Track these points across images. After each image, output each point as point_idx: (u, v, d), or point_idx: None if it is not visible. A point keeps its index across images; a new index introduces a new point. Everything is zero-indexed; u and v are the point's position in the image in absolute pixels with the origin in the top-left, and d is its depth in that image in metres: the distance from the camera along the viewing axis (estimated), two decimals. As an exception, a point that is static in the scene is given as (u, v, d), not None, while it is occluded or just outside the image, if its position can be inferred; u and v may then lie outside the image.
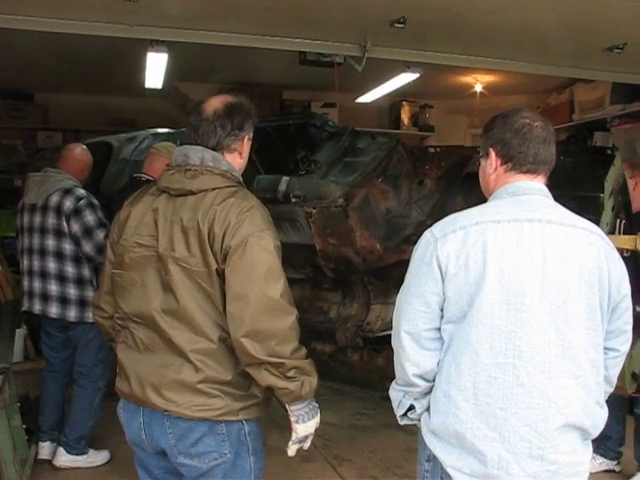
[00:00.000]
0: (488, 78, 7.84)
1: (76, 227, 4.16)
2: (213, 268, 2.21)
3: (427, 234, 2.14)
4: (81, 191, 4.26)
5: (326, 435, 4.88)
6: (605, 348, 2.12)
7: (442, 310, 2.07)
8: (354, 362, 5.12)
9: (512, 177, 2.16)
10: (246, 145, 2.45)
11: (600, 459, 4.48)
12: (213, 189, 2.28)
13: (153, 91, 7.06)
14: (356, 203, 4.40)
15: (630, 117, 7.15)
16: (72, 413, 4.35)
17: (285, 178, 4.55)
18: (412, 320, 2.08)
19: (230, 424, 2.30)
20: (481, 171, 2.29)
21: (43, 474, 4.25)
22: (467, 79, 7.95)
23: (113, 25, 4.46)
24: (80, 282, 4.24)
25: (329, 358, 5.18)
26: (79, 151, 4.52)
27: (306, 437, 2.40)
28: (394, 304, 5.42)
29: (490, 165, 2.21)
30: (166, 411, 2.26)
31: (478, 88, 8.11)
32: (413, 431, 5.30)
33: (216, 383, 2.25)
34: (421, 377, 2.10)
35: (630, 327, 2.22)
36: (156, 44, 4.92)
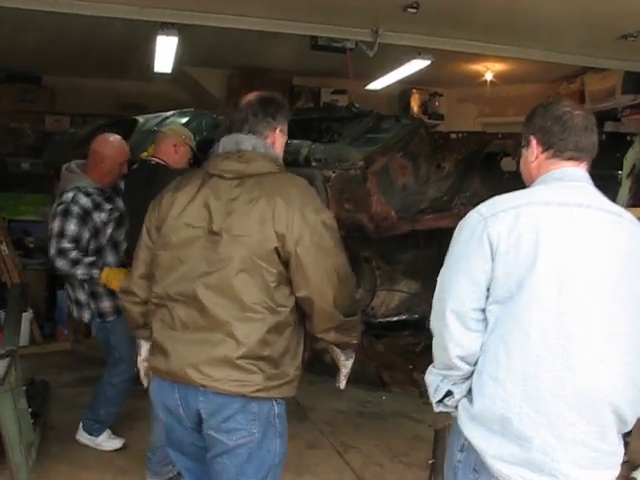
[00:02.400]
0: (499, 66, 7.81)
1: (49, 230, 4.19)
2: (272, 246, 2.31)
3: (473, 214, 2.11)
4: (68, 195, 4.15)
5: (333, 422, 4.87)
6: None
7: (488, 290, 2.04)
8: None
9: (554, 164, 2.16)
10: (278, 136, 2.56)
11: (608, 449, 4.48)
12: (269, 173, 2.42)
13: (163, 76, 7.03)
14: (375, 168, 4.44)
15: (641, 107, 7.12)
16: (92, 397, 4.47)
17: (308, 142, 4.60)
18: (459, 298, 2.04)
19: (262, 403, 2.37)
20: (522, 161, 2.28)
21: (48, 457, 4.28)
22: (477, 67, 7.91)
23: (123, 6, 4.45)
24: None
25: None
26: (99, 146, 4.33)
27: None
28: (400, 291, 5.43)
29: (531, 153, 2.20)
30: (203, 386, 2.32)
31: (488, 76, 8.08)
32: (420, 419, 5.32)
33: (254, 359, 2.32)
34: (464, 359, 2.06)
35: None
36: (166, 27, 4.91)
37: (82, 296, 4.28)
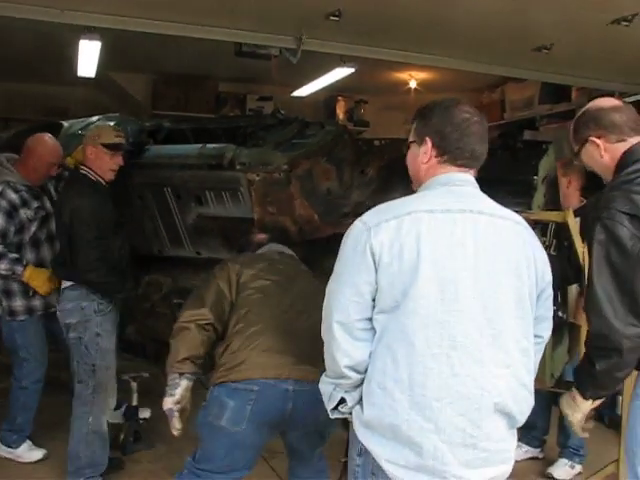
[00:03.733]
0: (422, 75, 7.95)
1: None
2: None
3: (358, 224, 2.11)
4: None
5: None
6: None
7: (374, 300, 2.05)
8: None
9: (444, 169, 2.16)
10: None
11: (525, 447, 4.61)
12: None
13: (86, 80, 6.90)
14: (299, 172, 4.46)
15: (557, 117, 7.36)
16: (8, 407, 4.38)
17: (232, 146, 4.59)
18: (344, 310, 2.04)
19: None
20: (411, 157, 2.27)
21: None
22: (402, 75, 8.04)
23: (43, 9, 4.35)
24: None
25: None
26: (32, 143, 4.29)
27: None
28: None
29: (425, 154, 2.19)
30: None
31: (412, 85, 8.22)
32: (343, 421, 5.33)
33: None
34: (353, 368, 2.07)
35: (551, 314, 2.27)
36: (89, 31, 4.83)
37: None
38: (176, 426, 2.96)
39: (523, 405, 2.11)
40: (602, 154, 2.50)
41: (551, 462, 4.56)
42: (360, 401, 2.11)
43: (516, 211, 2.23)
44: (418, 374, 1.98)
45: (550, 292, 2.22)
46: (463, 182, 2.16)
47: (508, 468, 2.15)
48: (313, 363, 2.62)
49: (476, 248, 2.03)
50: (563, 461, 4.50)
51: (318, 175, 4.58)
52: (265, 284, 3.12)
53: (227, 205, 4.59)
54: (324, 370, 2.19)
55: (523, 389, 2.10)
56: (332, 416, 2.20)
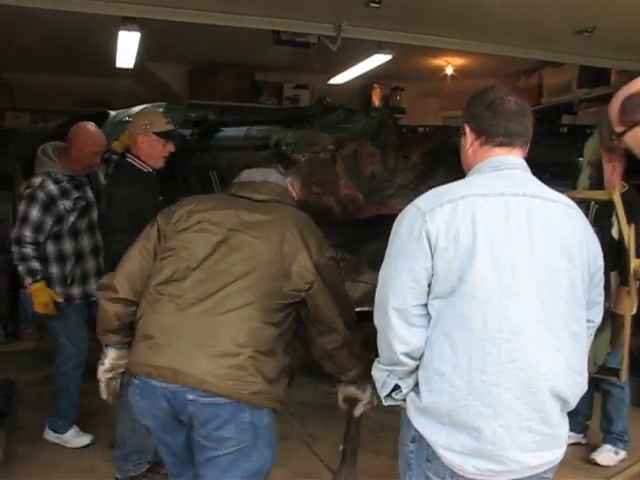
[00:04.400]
0: (459, 61, 7.89)
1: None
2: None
3: (411, 208, 2.11)
4: (36, 180, 4.20)
5: (300, 414, 4.89)
6: None
7: (429, 286, 2.05)
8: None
9: (488, 151, 2.18)
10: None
11: (569, 433, 4.59)
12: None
13: (124, 71, 6.97)
14: (345, 152, 4.50)
15: (596, 100, 7.25)
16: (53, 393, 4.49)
17: (278, 128, 4.65)
18: (401, 296, 2.05)
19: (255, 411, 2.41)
20: (461, 149, 2.31)
21: (16, 458, 4.26)
22: (438, 61, 7.98)
23: (87, 1, 4.40)
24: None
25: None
26: (75, 133, 4.33)
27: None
28: (364, 282, 5.49)
29: (467, 141, 2.23)
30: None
31: (449, 71, 8.15)
32: (384, 408, 5.38)
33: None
34: (409, 355, 2.08)
35: (602, 299, 2.28)
36: (128, 22, 4.88)
37: None
38: (103, 394, 2.82)
39: (576, 389, 2.12)
40: None
41: (594, 448, 4.55)
42: (415, 387, 2.12)
43: (560, 191, 2.24)
44: (477, 359, 1.99)
45: (601, 277, 2.22)
46: (514, 165, 2.17)
47: (562, 453, 2.16)
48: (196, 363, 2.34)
49: (530, 231, 2.04)
50: (607, 447, 4.49)
51: (363, 157, 4.61)
52: (200, 226, 2.57)
53: None
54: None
55: (575, 373, 2.10)
56: (385, 403, 2.21)
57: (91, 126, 4.37)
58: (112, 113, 5.91)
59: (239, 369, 2.34)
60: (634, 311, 3.46)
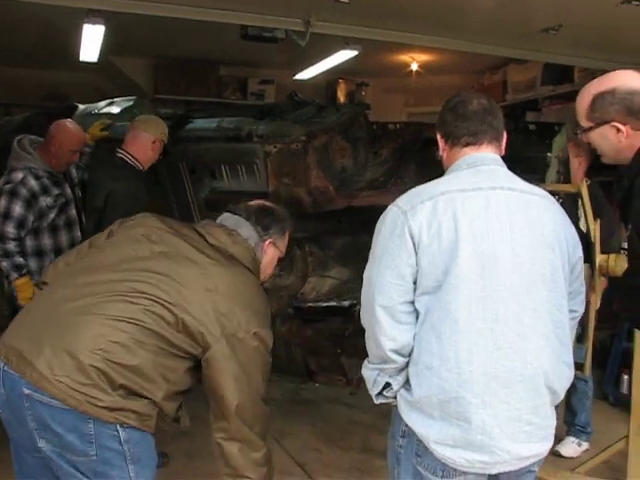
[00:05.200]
0: (424, 57, 7.92)
1: None
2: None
3: (392, 208, 2.14)
4: (17, 175, 4.10)
5: (268, 409, 4.90)
6: None
7: (414, 283, 2.07)
8: (282, 333, 5.12)
9: (459, 152, 2.23)
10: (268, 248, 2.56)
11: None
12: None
13: (88, 65, 6.88)
14: (316, 144, 4.53)
15: (560, 98, 7.35)
16: None
17: (251, 119, 4.64)
18: (387, 293, 2.06)
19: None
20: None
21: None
22: (403, 57, 8.01)
23: (51, -7, 4.34)
24: None
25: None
26: (55, 130, 4.26)
27: None
28: (331, 277, 5.48)
29: (440, 147, 2.29)
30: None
31: (414, 67, 8.19)
32: (353, 404, 5.40)
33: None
34: (397, 352, 2.09)
35: (584, 289, 2.34)
36: (93, 15, 4.81)
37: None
38: None
39: (563, 379, 2.15)
40: (622, 140, 2.25)
41: (558, 440, 4.61)
42: (405, 383, 2.13)
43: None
44: (463, 350, 2.01)
45: (582, 267, 2.28)
46: (490, 161, 2.21)
47: (549, 446, 2.18)
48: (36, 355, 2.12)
49: (510, 223, 2.08)
50: (570, 439, 4.55)
51: (334, 151, 4.64)
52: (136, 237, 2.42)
53: (242, 179, 4.61)
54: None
55: (560, 362, 2.13)
56: (377, 401, 2.22)
57: (70, 124, 4.33)
58: (80, 106, 5.86)
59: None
60: (598, 306, 3.52)
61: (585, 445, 4.53)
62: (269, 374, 2.38)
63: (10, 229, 4.03)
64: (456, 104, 2.23)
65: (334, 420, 4.97)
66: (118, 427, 2.14)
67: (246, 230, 2.46)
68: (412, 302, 2.08)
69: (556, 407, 4.54)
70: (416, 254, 2.05)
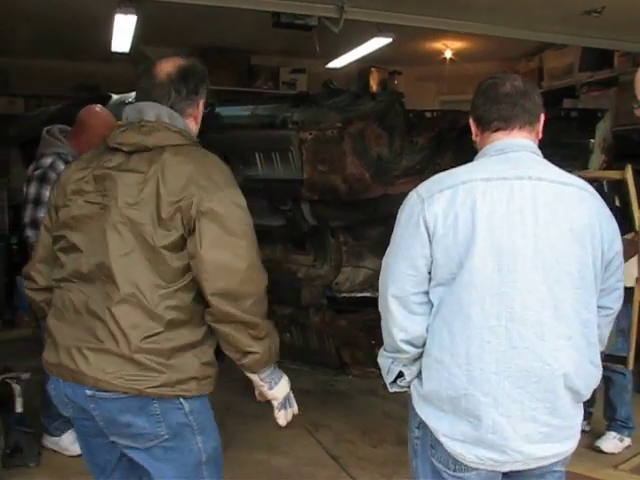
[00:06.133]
0: (458, 44, 7.81)
1: (24, 194, 4.10)
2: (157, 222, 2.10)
3: (413, 194, 2.10)
4: (47, 160, 4.08)
5: (301, 402, 4.83)
6: (598, 306, 2.10)
7: (430, 273, 2.02)
8: (315, 323, 5.08)
9: (490, 136, 2.15)
10: (200, 110, 2.36)
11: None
12: (171, 145, 2.19)
13: (120, 55, 6.89)
14: (352, 130, 4.41)
15: (598, 84, 7.19)
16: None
17: (286, 107, 4.58)
18: (399, 283, 2.03)
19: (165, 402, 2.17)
20: None
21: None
22: (437, 45, 7.91)
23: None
24: None
25: (289, 321, 5.16)
26: (85, 115, 4.24)
27: (287, 399, 2.38)
28: (366, 268, 5.46)
29: (473, 132, 2.22)
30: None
31: (448, 54, 8.08)
32: (387, 396, 5.37)
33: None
34: (409, 343, 2.05)
35: (622, 285, 2.21)
36: (124, 5, 4.80)
37: None
38: None
39: (588, 379, 2.07)
40: None
41: (598, 435, 4.51)
42: (419, 374, 2.10)
43: (569, 170, 2.17)
44: (475, 347, 1.95)
45: (620, 262, 2.16)
46: (520, 148, 2.11)
47: (574, 445, 2.11)
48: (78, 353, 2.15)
49: (535, 216, 1.98)
50: (612, 434, 4.45)
51: (370, 138, 4.54)
52: (82, 212, 2.25)
53: (276, 166, 4.56)
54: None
55: (586, 362, 2.05)
56: (391, 390, 2.19)
57: (100, 109, 4.30)
58: (114, 96, 5.85)
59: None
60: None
61: (627, 441, 4.44)
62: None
63: (42, 214, 4.01)
64: (487, 87, 2.16)
65: (368, 412, 4.94)
66: (182, 400, 2.19)
67: (149, 111, 2.28)
68: (426, 292, 2.04)
69: (593, 401, 4.50)
70: (430, 245, 2.00)
